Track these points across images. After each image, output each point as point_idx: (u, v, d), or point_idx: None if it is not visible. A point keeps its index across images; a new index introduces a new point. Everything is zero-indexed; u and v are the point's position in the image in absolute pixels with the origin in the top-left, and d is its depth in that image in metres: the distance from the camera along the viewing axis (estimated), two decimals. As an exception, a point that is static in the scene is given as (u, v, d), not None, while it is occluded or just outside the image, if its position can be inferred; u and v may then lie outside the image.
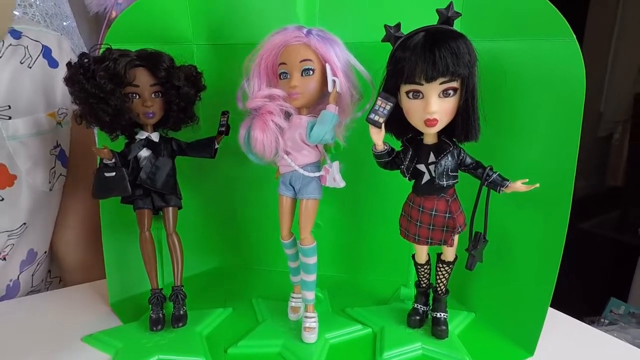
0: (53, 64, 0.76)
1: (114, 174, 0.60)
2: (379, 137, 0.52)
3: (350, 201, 0.75)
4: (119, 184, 0.60)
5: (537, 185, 0.50)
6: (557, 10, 0.55)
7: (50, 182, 0.77)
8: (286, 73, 0.56)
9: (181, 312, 0.63)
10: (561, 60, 0.55)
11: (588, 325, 0.68)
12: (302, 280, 0.61)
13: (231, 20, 0.71)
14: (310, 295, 0.61)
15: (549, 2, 0.55)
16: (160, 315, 0.62)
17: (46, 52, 0.76)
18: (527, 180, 0.50)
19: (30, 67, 0.73)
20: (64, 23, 1.40)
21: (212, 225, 0.83)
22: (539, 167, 0.58)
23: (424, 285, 0.62)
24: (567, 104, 0.55)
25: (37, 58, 0.74)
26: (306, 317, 0.61)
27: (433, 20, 0.49)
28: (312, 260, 0.59)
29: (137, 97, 0.60)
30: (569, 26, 0.54)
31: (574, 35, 0.54)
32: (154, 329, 0.61)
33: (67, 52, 0.79)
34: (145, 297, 0.64)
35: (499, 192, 0.52)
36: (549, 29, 0.55)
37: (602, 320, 1.52)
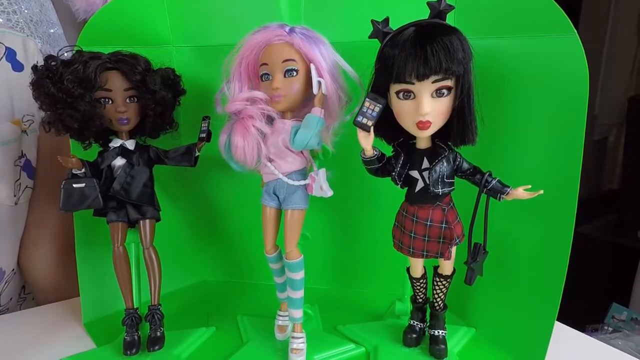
0: (17, 67, 0.71)
1: (83, 185, 0.55)
2: (367, 142, 0.47)
3: (340, 210, 0.71)
4: (89, 195, 0.56)
5: (541, 192, 0.46)
6: (557, 5, 0.51)
7: (15, 196, 0.72)
8: (268, 74, 0.52)
9: (158, 334, 0.58)
10: (562, 58, 0.51)
11: (594, 339, 0.64)
12: (288, 297, 0.57)
13: (213, 21, 0.67)
14: (298, 313, 0.56)
15: (547, -4, 0.52)
16: (135, 337, 0.58)
17: (9, 55, 0.71)
18: (530, 186, 0.47)
19: None
20: (51, 30, 1.37)
21: (194, 238, 0.79)
22: (541, 172, 0.54)
23: (420, 300, 0.58)
24: (570, 104, 0.52)
25: None
26: (293, 337, 0.56)
27: (425, 16, 0.45)
28: (299, 275, 0.55)
29: (110, 102, 0.56)
30: (569, 21, 0.51)
31: (576, 31, 0.51)
32: (128, 353, 0.57)
33: (33, 54, 0.74)
34: (122, 316, 0.59)
35: (499, 200, 0.48)
36: (549, 25, 0.52)
37: (606, 328, 1.48)
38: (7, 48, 0.71)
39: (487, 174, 0.48)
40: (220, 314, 0.69)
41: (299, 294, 0.56)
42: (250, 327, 0.64)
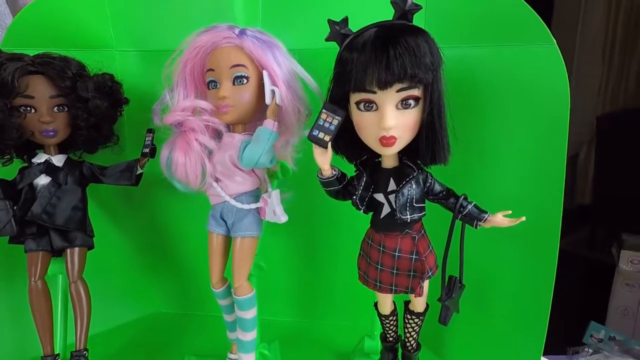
0: None
1: (-8, 207, 0.47)
2: (324, 160, 0.41)
3: (301, 236, 0.64)
4: (0, 220, 0.47)
5: (523, 218, 0.40)
6: (535, 13, 0.47)
7: None
8: (215, 81, 0.45)
9: (81, 386, 0.49)
10: (541, 69, 0.47)
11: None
12: (237, 339, 0.49)
13: (161, 23, 0.60)
14: (249, 358, 0.48)
15: (525, 2, 0.47)
16: (53, 390, 0.49)
17: None
18: (510, 212, 0.41)
19: None
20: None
21: (143, 265, 0.70)
22: (520, 195, 0.49)
23: (390, 339, 0.51)
24: (550, 117, 0.47)
25: None
26: (243, 387, 0.48)
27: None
28: (250, 314, 0.47)
29: (32, 110, 0.49)
30: (548, 30, 0.47)
31: (555, 41, 0.47)
32: (42, 410, 0.47)
33: None
34: (43, 363, 0.50)
35: (475, 228, 0.42)
36: (526, 34, 0.48)
37: (586, 349, 1.46)
38: None
39: (462, 197, 0.42)
40: (167, 353, 0.61)
41: (250, 335, 0.48)
42: (198, 371, 0.56)
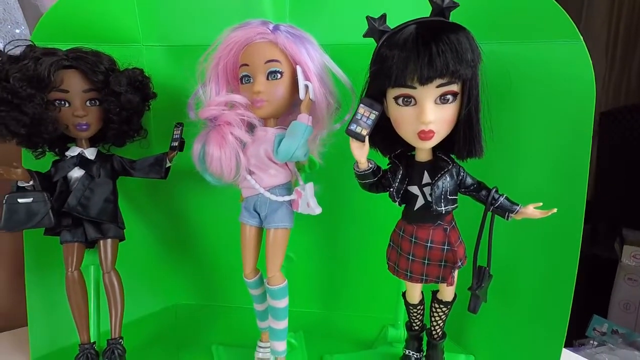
0: None
1: (30, 199, 0.48)
2: (361, 153, 0.42)
3: (328, 228, 0.65)
4: (38, 212, 0.48)
5: (554, 210, 0.42)
6: (562, 9, 0.48)
7: None
8: (249, 76, 0.46)
9: (117, 373, 0.51)
10: (568, 66, 0.48)
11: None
12: (270, 328, 0.50)
13: (188, 18, 0.61)
14: (281, 346, 0.50)
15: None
16: (91, 377, 0.50)
17: None
18: (541, 204, 0.42)
19: None
20: (16, 30, 1.28)
21: (166, 257, 0.71)
22: (545, 189, 0.50)
23: (416, 327, 0.53)
24: (575, 113, 0.48)
25: None
26: (275, 374, 0.50)
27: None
28: (282, 303, 0.48)
29: (66, 104, 0.50)
30: (575, 27, 0.48)
31: (581, 37, 0.48)
32: (81, 396, 0.49)
33: None
34: (76, 352, 0.51)
35: (507, 219, 0.43)
36: (553, 30, 0.48)
37: (592, 342, 1.48)
38: None
39: (494, 190, 0.43)
40: (193, 344, 0.62)
41: (283, 324, 0.49)
42: (227, 359, 0.57)
